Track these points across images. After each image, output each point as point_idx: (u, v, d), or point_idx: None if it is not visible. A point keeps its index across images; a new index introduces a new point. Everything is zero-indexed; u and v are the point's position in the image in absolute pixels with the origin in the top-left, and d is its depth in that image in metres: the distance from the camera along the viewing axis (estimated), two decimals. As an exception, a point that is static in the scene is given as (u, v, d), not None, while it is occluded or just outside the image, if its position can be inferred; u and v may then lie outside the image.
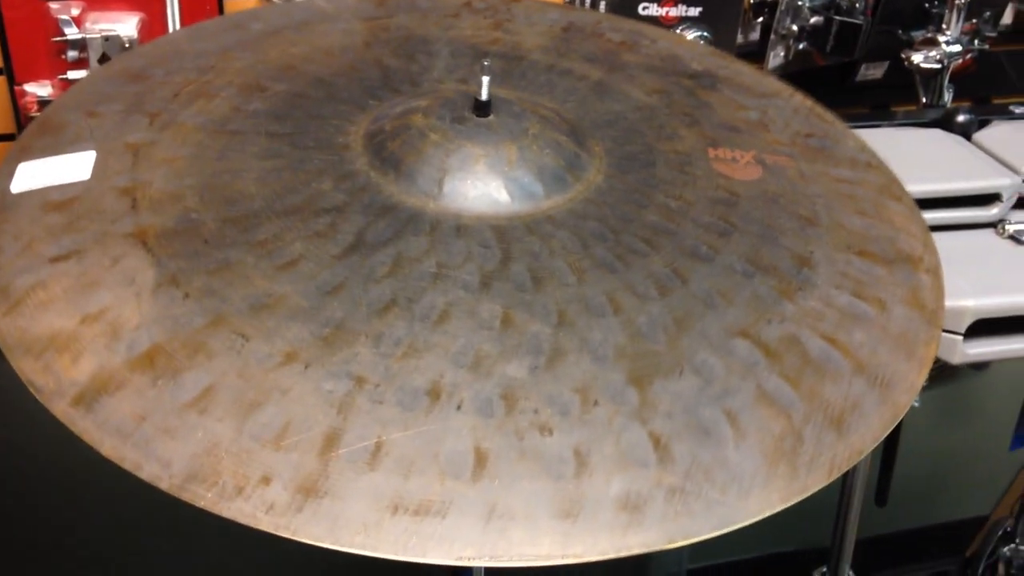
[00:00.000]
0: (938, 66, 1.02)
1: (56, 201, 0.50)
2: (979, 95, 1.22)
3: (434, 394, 0.42)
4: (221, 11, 0.94)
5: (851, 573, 0.94)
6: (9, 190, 0.51)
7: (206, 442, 0.40)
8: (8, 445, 1.11)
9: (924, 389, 0.48)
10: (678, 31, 1.02)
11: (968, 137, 0.86)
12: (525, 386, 0.43)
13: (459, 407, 0.42)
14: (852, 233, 0.55)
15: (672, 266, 0.50)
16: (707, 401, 0.44)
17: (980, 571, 1.09)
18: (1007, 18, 1.17)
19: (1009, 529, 1.08)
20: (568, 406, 0.42)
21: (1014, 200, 0.79)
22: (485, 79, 0.54)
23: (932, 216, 0.73)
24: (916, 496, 1.25)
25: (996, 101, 1.26)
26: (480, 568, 0.37)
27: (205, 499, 0.38)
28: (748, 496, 0.41)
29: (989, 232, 0.78)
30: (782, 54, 1.11)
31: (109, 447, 0.40)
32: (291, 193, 0.51)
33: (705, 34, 1.03)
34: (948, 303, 0.54)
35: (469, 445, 0.40)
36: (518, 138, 0.54)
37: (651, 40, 0.71)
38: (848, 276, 0.52)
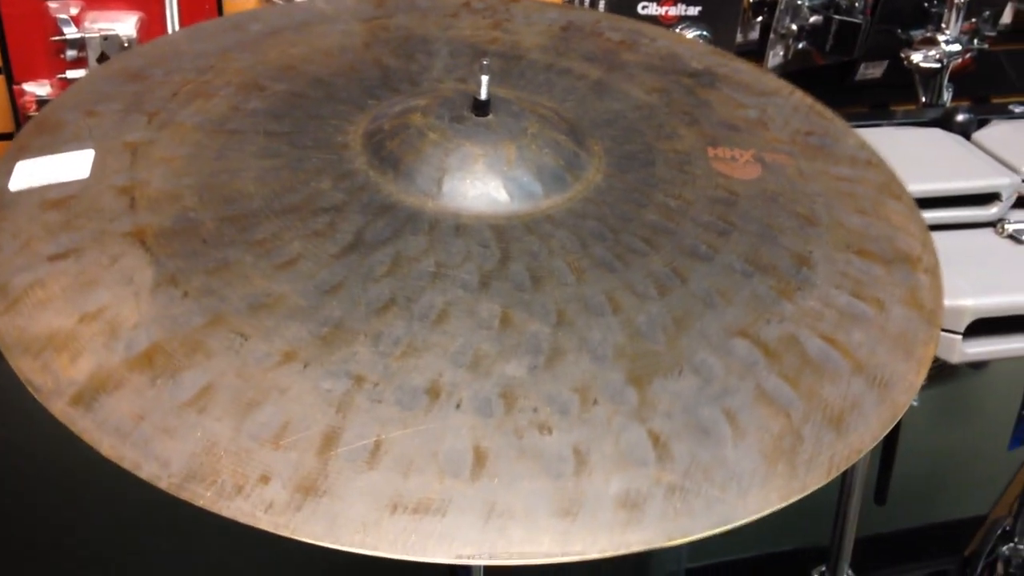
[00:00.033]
0: (937, 65, 1.02)
1: (54, 200, 0.50)
2: (978, 94, 1.22)
3: (433, 393, 0.42)
4: (220, 12, 0.94)
5: (850, 572, 0.94)
6: (7, 188, 0.51)
7: (205, 441, 0.40)
8: (7, 445, 1.11)
9: (923, 388, 0.48)
10: (677, 30, 1.02)
11: (967, 136, 0.86)
12: (524, 385, 0.43)
13: (458, 406, 0.42)
14: (851, 232, 0.55)
15: (671, 265, 0.50)
16: (706, 400, 0.44)
17: (979, 570, 1.09)
18: (1006, 17, 1.17)
19: (1008, 528, 1.08)
20: (567, 405, 0.42)
21: (1013, 199, 0.79)
22: (484, 78, 0.54)
23: (931, 215, 0.73)
24: (915, 495, 1.25)
25: (995, 100, 1.26)
26: (479, 567, 0.37)
27: (204, 498, 0.38)
28: (747, 495, 0.41)
29: (988, 231, 0.78)
30: (781, 53, 1.11)
31: (108, 446, 0.40)
32: (290, 192, 0.51)
33: (704, 33, 1.03)
34: (947, 302, 0.54)
35: (468, 444, 0.40)
36: (517, 137, 0.54)
37: (650, 39, 0.71)
38: (847, 276, 0.52)
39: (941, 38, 1.02)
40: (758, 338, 0.47)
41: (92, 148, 0.54)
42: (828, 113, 0.66)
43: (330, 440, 0.40)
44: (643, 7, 1.01)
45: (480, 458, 0.40)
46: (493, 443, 0.41)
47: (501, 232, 0.51)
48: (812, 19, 1.09)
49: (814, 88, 0.68)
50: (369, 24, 0.68)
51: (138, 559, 1.08)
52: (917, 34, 1.05)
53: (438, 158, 0.53)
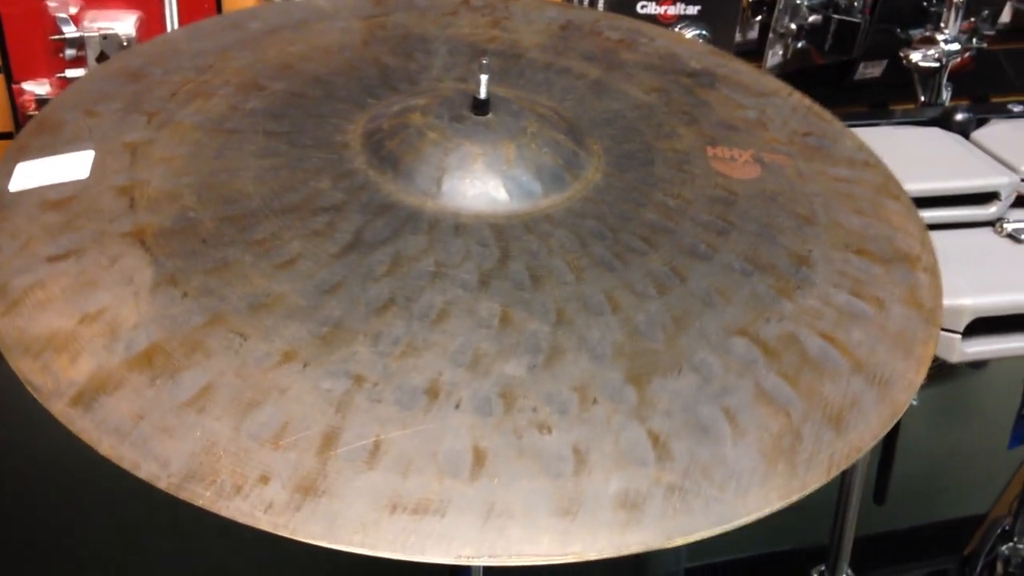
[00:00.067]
0: (936, 65, 1.02)
1: (54, 200, 0.50)
2: (977, 94, 1.22)
3: (432, 393, 0.42)
4: (219, 10, 0.94)
5: (849, 572, 0.94)
6: (7, 189, 0.51)
7: (204, 441, 0.40)
8: (7, 445, 1.11)
9: (922, 387, 0.48)
10: (676, 29, 1.02)
11: (966, 136, 0.86)
12: (524, 385, 0.43)
13: (457, 406, 0.42)
14: (850, 232, 0.55)
15: (671, 265, 0.50)
16: (706, 399, 0.44)
17: (978, 569, 1.09)
18: (1005, 16, 1.17)
19: (1007, 527, 1.08)
20: (567, 404, 0.42)
21: (1012, 199, 0.79)
22: (483, 77, 0.54)
23: (930, 215, 0.73)
24: (914, 494, 1.25)
25: (994, 100, 1.26)
26: (479, 567, 0.37)
27: (203, 498, 0.38)
28: (747, 494, 0.41)
29: (987, 231, 0.78)
30: (780, 53, 1.11)
31: (107, 446, 0.40)
32: (289, 192, 0.51)
33: (703, 32, 1.03)
34: (946, 302, 0.54)
35: (468, 444, 0.40)
36: (516, 137, 0.54)
37: (649, 38, 0.71)
38: (846, 275, 0.52)
39: (940, 37, 1.02)
40: (757, 337, 0.47)
41: (92, 148, 0.54)
42: (826, 114, 0.66)
43: (329, 440, 0.40)
44: (642, 6, 1.01)
45: (479, 458, 0.40)
46: (492, 443, 0.41)
47: (500, 231, 0.51)
48: (811, 18, 1.09)
49: (813, 87, 0.68)
50: (368, 22, 0.68)
51: (137, 559, 1.08)
52: (916, 33, 1.05)
53: (437, 157, 0.53)
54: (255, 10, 0.69)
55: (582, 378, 0.43)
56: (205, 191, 0.51)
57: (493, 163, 0.53)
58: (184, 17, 0.91)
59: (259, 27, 0.66)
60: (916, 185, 0.68)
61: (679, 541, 0.39)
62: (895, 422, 0.45)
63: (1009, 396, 1.00)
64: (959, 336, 0.69)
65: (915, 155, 0.81)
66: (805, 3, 1.09)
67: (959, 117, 0.87)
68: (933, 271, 0.54)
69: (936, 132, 0.87)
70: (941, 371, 0.69)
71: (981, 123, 0.88)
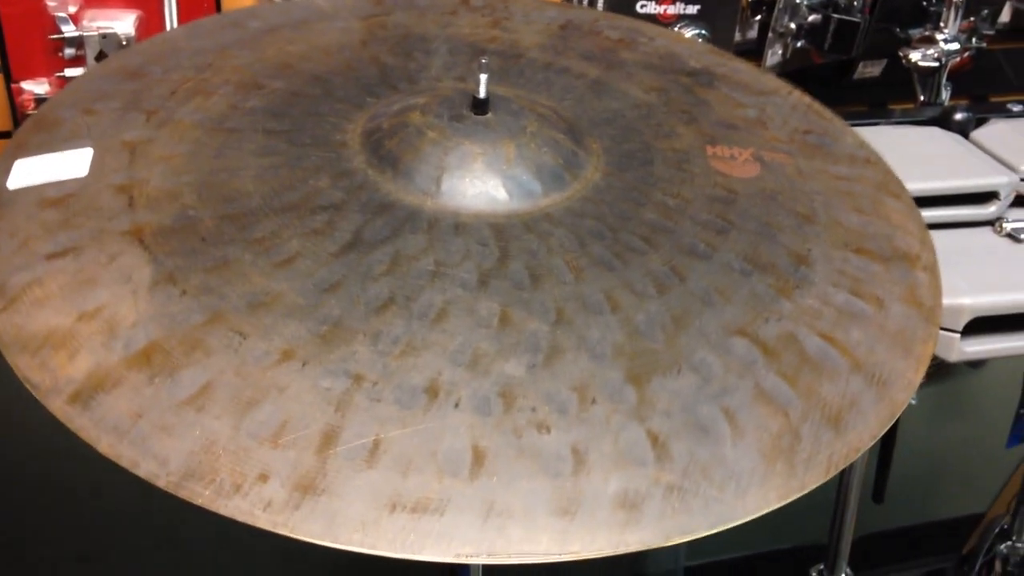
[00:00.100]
0: (936, 64, 1.02)
1: (52, 198, 0.50)
2: (977, 93, 1.22)
3: (432, 392, 0.42)
4: (218, 9, 0.94)
5: (848, 570, 0.94)
6: (5, 187, 0.51)
7: (203, 439, 0.40)
8: (5, 443, 1.11)
9: (921, 386, 0.48)
10: (676, 29, 1.02)
11: (966, 135, 0.86)
12: (523, 384, 0.43)
13: (457, 405, 0.42)
14: (850, 231, 0.55)
15: (670, 264, 0.50)
16: (705, 399, 0.44)
17: (977, 568, 1.09)
18: (1005, 16, 1.17)
19: (1006, 526, 1.08)
20: (566, 404, 0.42)
21: (1011, 198, 0.79)
22: (483, 77, 0.54)
23: (929, 214, 0.73)
24: (913, 493, 1.25)
25: (994, 99, 1.26)
26: (478, 566, 0.37)
27: (202, 496, 0.38)
28: (746, 494, 0.41)
29: (986, 230, 0.78)
30: (780, 52, 1.11)
31: (106, 444, 0.39)
32: (288, 191, 0.51)
33: (703, 32, 1.03)
34: (945, 301, 0.54)
35: (467, 443, 0.40)
36: (516, 136, 0.54)
37: (649, 38, 0.71)
38: (846, 274, 0.52)
39: (939, 37, 1.02)
40: (757, 337, 0.47)
41: (90, 146, 0.54)
42: (826, 112, 0.66)
43: (329, 439, 0.40)
44: (642, 6, 1.01)
45: (479, 457, 0.40)
46: (492, 442, 0.41)
47: (500, 231, 0.51)
48: (811, 18, 1.09)
49: (812, 87, 0.68)
50: (367, 22, 0.68)
51: (137, 558, 1.08)
52: (915, 33, 1.05)
53: (437, 157, 0.53)
54: (254, 9, 0.69)
55: (581, 378, 0.43)
56: (204, 189, 0.51)
57: (493, 162, 0.53)
58: (183, 16, 0.91)
59: (258, 26, 0.66)
60: (915, 185, 0.68)
61: (678, 541, 0.39)
62: (894, 421, 0.45)
63: (1008, 395, 1.00)
64: (958, 335, 0.69)
65: (914, 155, 0.81)
66: (804, 2, 1.09)
67: (958, 117, 0.87)
68: (932, 270, 0.54)
69: (935, 132, 0.87)
70: (940, 370, 0.69)
71: (980, 123, 0.88)
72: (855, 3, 1.08)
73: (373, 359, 0.43)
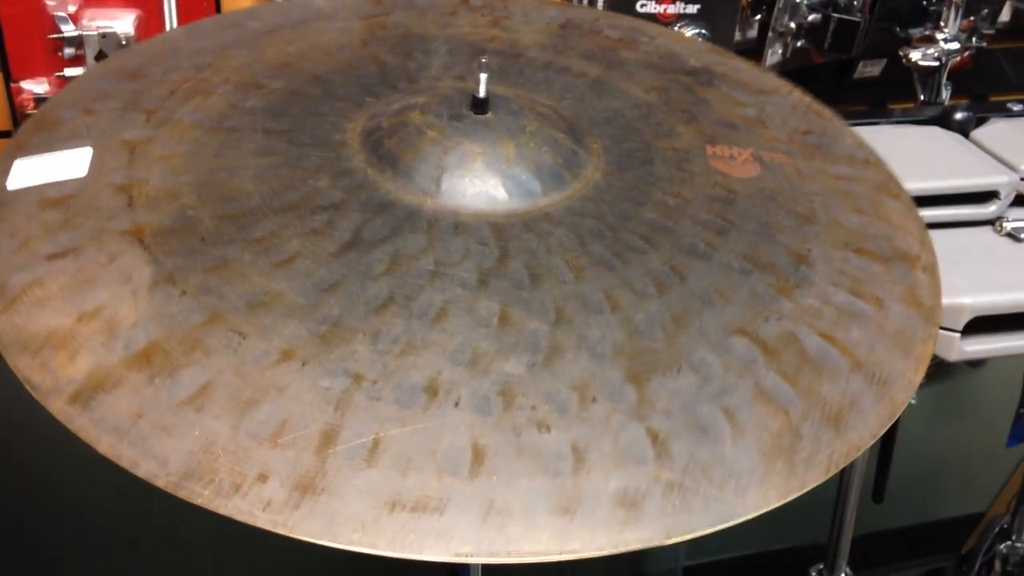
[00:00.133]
0: (936, 63, 1.02)
1: (52, 198, 0.50)
2: (977, 92, 1.22)
3: (432, 391, 0.42)
4: (218, 9, 0.93)
5: (848, 570, 0.94)
6: (5, 187, 0.51)
7: (203, 439, 0.40)
8: (5, 443, 1.11)
9: (921, 386, 0.48)
10: (676, 28, 1.02)
11: (966, 135, 0.86)
12: (523, 383, 0.43)
13: (457, 404, 0.42)
14: (849, 231, 0.55)
15: (670, 264, 0.50)
16: (705, 398, 0.44)
17: (976, 568, 1.09)
18: (1005, 15, 1.17)
19: (1005, 526, 1.08)
20: (566, 403, 0.42)
21: (1011, 198, 0.79)
22: (483, 76, 0.54)
23: (929, 214, 0.73)
24: (913, 493, 1.25)
25: (994, 99, 1.26)
26: (477, 565, 0.37)
27: (202, 496, 0.38)
28: (745, 493, 0.41)
29: (986, 230, 0.78)
30: (780, 51, 1.11)
31: (106, 444, 0.39)
32: (288, 190, 0.51)
33: (703, 31, 1.03)
34: (945, 300, 0.54)
35: (467, 442, 0.40)
36: (516, 135, 0.54)
37: (649, 37, 0.71)
38: (845, 274, 0.52)
39: (939, 36, 1.02)
40: (757, 336, 0.47)
41: (90, 146, 0.54)
42: (826, 112, 0.66)
43: (328, 438, 0.40)
44: (642, 5, 1.01)
45: (479, 456, 0.40)
46: (492, 441, 0.40)
47: (500, 230, 0.51)
48: (811, 17, 1.09)
49: (812, 86, 0.68)
50: (367, 21, 0.68)
51: (136, 558, 1.08)
52: (915, 32, 1.05)
53: (437, 156, 0.53)
54: (254, 9, 0.69)
55: (581, 377, 0.43)
56: (204, 189, 0.51)
57: (492, 162, 0.53)
58: (183, 16, 0.91)
59: (258, 26, 0.66)
60: (915, 184, 0.68)
61: (678, 539, 0.39)
62: (894, 421, 0.45)
63: (1007, 395, 1.00)
64: (958, 335, 0.69)
65: (914, 154, 0.81)
66: (804, 2, 1.09)
67: (958, 116, 0.87)
68: (932, 270, 0.54)
69: (935, 131, 0.87)
70: (940, 370, 0.69)
71: (980, 122, 0.88)
72: (855, 3, 1.08)
73: (373, 358, 0.43)
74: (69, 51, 0.89)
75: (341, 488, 0.38)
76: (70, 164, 0.53)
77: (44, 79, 0.90)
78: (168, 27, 0.90)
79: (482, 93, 0.54)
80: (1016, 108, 0.91)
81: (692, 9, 1.02)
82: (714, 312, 0.48)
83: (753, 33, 1.11)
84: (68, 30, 0.88)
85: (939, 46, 1.02)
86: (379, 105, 0.58)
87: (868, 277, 0.52)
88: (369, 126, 0.56)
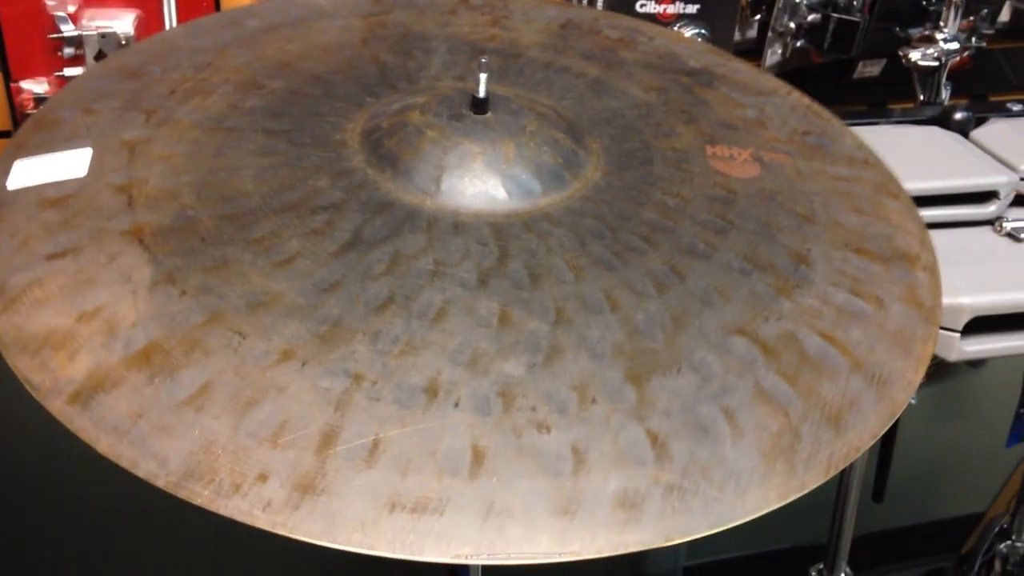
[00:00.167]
0: (935, 63, 1.02)
1: (52, 198, 0.50)
2: (976, 92, 1.22)
3: (431, 392, 0.42)
4: (218, 8, 0.93)
5: (848, 570, 0.94)
6: (5, 187, 0.51)
7: (203, 439, 0.40)
8: (5, 443, 1.11)
9: (921, 386, 0.48)
10: (676, 28, 1.02)
11: (965, 135, 0.86)
12: (523, 384, 0.43)
13: (456, 404, 0.42)
14: (849, 231, 0.55)
15: (670, 264, 0.50)
16: (705, 399, 0.44)
17: (976, 568, 1.09)
18: (1004, 15, 1.17)
19: (1005, 526, 1.08)
20: (566, 404, 0.42)
21: (1011, 198, 0.79)
22: (482, 76, 0.54)
23: (929, 214, 0.73)
24: (913, 493, 1.25)
25: (993, 99, 1.26)
26: (477, 566, 0.37)
27: (202, 496, 0.38)
28: (745, 493, 0.41)
29: (986, 230, 0.78)
30: (779, 51, 1.11)
31: (105, 444, 0.39)
32: (288, 190, 0.51)
33: (703, 31, 1.03)
34: (945, 300, 0.54)
35: (467, 443, 0.40)
36: (516, 135, 0.54)
37: (649, 37, 0.71)
38: (845, 274, 0.52)
39: (939, 36, 1.02)
40: (756, 336, 0.47)
41: (90, 146, 0.54)
42: (825, 113, 0.66)
43: (328, 439, 0.40)
44: (641, 5, 1.01)
45: (478, 457, 0.40)
46: (491, 442, 0.40)
47: (500, 230, 0.51)
48: (810, 17, 1.09)
49: (812, 86, 0.68)
50: (367, 20, 0.68)
51: (136, 558, 1.08)
52: (915, 32, 1.05)
53: (436, 156, 0.53)
54: (254, 8, 0.69)
55: (581, 377, 0.43)
56: (204, 189, 0.51)
57: (492, 162, 0.53)
58: (182, 15, 0.91)
59: (258, 25, 0.66)
60: (915, 184, 0.68)
61: (678, 541, 0.39)
62: (894, 421, 0.45)
63: (1007, 395, 1.00)
64: (958, 335, 0.69)
65: (914, 154, 0.81)
66: (804, 2, 1.09)
67: (958, 116, 0.87)
68: (932, 270, 0.54)
69: (935, 131, 0.87)
70: (939, 369, 0.69)
71: (980, 122, 0.88)
72: (854, 3, 1.08)
73: (372, 359, 0.43)
74: (69, 51, 0.89)
75: (341, 488, 0.38)
76: (70, 164, 0.53)
77: (44, 79, 0.90)
78: (168, 26, 0.90)
79: (482, 93, 0.54)
80: (1016, 108, 0.91)
81: (692, 9, 1.02)
82: (714, 312, 0.48)
83: (753, 33, 1.11)
84: (68, 30, 0.88)
85: (939, 46, 1.02)
86: (379, 105, 0.58)
87: (868, 277, 0.52)
88: (369, 126, 0.56)
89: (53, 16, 0.88)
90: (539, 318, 0.46)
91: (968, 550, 1.11)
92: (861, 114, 0.94)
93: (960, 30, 1.03)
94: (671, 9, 1.02)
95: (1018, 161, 0.80)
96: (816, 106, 0.66)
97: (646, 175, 0.56)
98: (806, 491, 0.42)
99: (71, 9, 0.88)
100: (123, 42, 0.89)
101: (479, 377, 0.43)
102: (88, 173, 0.52)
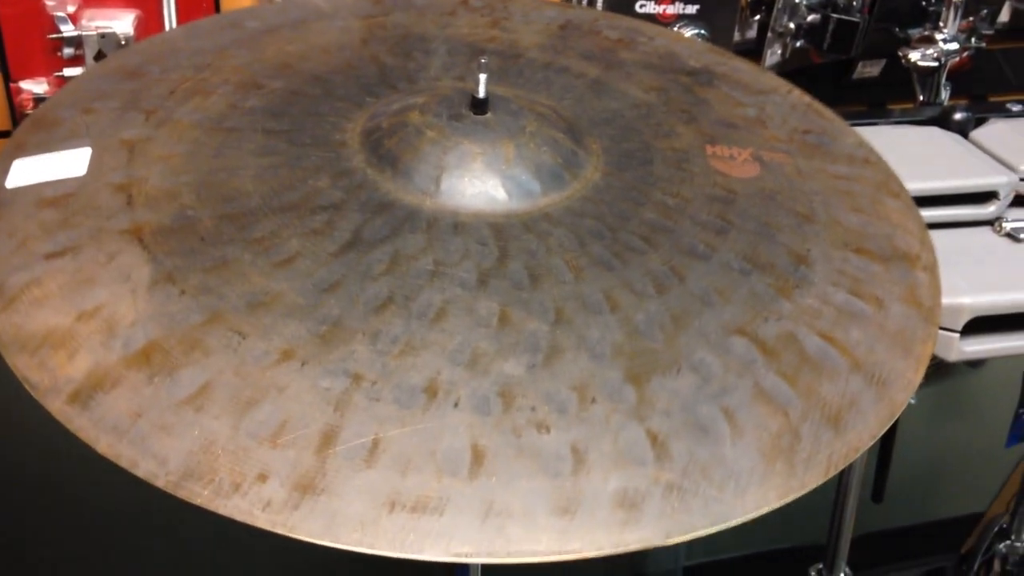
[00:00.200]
0: (935, 64, 1.02)
1: (51, 198, 0.50)
2: (976, 93, 1.22)
3: (431, 391, 0.42)
4: (217, 9, 0.93)
5: (847, 570, 0.94)
6: (4, 186, 0.51)
7: (202, 439, 0.40)
8: (5, 443, 1.11)
9: (920, 386, 0.48)
10: (675, 28, 1.02)
11: (965, 135, 0.86)
12: (522, 384, 0.43)
13: (456, 404, 0.42)
14: (849, 230, 0.55)
15: (670, 264, 0.50)
16: (705, 399, 0.44)
17: (975, 568, 1.09)
18: (1004, 16, 1.17)
19: (1004, 526, 1.08)
20: (566, 404, 0.42)
21: (1011, 198, 0.79)
22: (482, 76, 0.54)
23: (929, 214, 0.73)
24: (912, 493, 1.25)
25: (993, 99, 1.26)
26: (477, 565, 0.37)
27: (201, 496, 0.38)
28: (745, 493, 0.41)
29: (986, 230, 0.78)
30: (779, 52, 1.11)
31: (105, 444, 0.39)
32: (288, 190, 0.51)
33: (702, 31, 1.03)
34: (945, 300, 0.54)
35: (466, 442, 0.40)
36: (515, 136, 0.54)
37: (648, 37, 0.71)
38: (845, 274, 0.52)
39: (939, 36, 1.02)
40: (756, 336, 0.47)
41: (89, 146, 0.54)
42: (826, 112, 0.66)
43: (328, 438, 0.40)
44: (641, 5, 1.01)
45: (478, 457, 0.40)
46: (491, 442, 0.40)
47: (499, 230, 0.51)
48: (810, 18, 1.09)
49: (812, 86, 0.68)
50: (366, 21, 0.68)
51: (136, 558, 1.08)
52: (915, 32, 1.05)
53: (436, 156, 0.53)
54: (253, 9, 0.69)
55: (581, 377, 0.43)
56: (203, 189, 0.51)
57: (492, 162, 0.53)
58: (182, 16, 0.91)
59: (257, 26, 0.66)
60: (915, 184, 0.68)
61: (677, 540, 0.39)
62: (893, 421, 0.45)
63: (1007, 395, 1.00)
64: (957, 335, 0.69)
65: (914, 154, 0.81)
66: (804, 2, 1.09)
67: (958, 116, 0.87)
68: (932, 270, 0.54)
69: (935, 131, 0.87)
70: (939, 370, 0.69)
71: (980, 122, 0.88)
72: (854, 3, 1.08)
73: (372, 359, 0.43)
74: (68, 51, 0.89)
75: (341, 488, 0.38)
76: (69, 163, 0.52)
77: (43, 79, 0.90)
78: (167, 27, 0.90)
79: (482, 93, 0.54)
80: (1015, 108, 0.91)
81: (691, 9, 1.02)
82: (714, 312, 0.48)
83: (752, 33, 1.11)
84: (67, 30, 0.88)
85: (938, 46, 1.02)
86: (379, 105, 0.58)
87: (868, 277, 0.52)
88: (369, 126, 0.56)
89: (53, 16, 0.88)
90: (539, 318, 0.46)
91: (968, 550, 1.11)
92: (861, 114, 0.94)
93: (960, 30, 1.03)
94: (671, 9, 1.02)
95: (1018, 161, 0.80)
96: (816, 104, 0.66)
97: (646, 175, 0.56)
98: (806, 491, 0.42)
99: (71, 9, 0.88)
100: (123, 42, 0.89)
101: (479, 377, 0.43)
102: (87, 172, 0.52)
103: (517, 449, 0.40)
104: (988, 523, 1.09)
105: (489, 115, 0.55)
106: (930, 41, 1.02)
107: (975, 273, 0.71)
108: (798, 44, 1.11)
